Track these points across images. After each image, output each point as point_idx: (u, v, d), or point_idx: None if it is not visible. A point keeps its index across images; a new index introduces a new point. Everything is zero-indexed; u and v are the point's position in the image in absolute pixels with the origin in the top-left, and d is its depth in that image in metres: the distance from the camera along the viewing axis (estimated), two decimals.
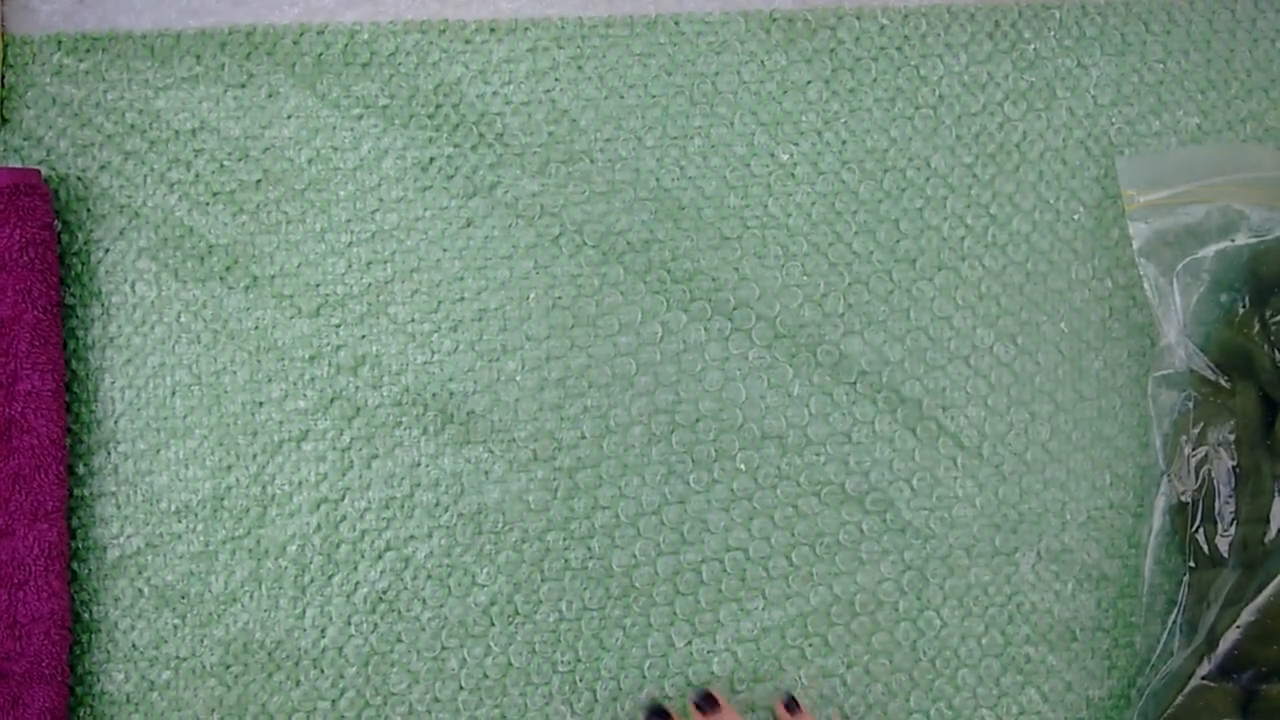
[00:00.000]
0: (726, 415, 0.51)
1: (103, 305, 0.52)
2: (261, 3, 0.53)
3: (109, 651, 0.52)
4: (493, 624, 0.52)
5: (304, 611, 0.52)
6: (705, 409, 0.51)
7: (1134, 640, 0.52)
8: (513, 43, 0.53)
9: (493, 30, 0.53)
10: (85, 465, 0.52)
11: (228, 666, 0.52)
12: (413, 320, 0.52)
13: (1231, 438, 0.49)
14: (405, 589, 0.52)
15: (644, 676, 0.52)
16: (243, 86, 0.53)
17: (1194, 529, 0.50)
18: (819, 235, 0.52)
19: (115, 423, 0.52)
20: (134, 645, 0.52)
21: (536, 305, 0.52)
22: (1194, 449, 0.50)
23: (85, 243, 0.53)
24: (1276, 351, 0.48)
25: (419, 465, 0.52)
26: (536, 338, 0.52)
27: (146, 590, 0.52)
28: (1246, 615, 0.47)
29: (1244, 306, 0.50)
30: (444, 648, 0.52)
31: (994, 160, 0.53)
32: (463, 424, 0.52)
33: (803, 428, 0.52)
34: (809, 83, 0.53)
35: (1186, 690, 0.48)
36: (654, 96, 0.53)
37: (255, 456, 0.52)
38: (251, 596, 0.52)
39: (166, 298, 0.52)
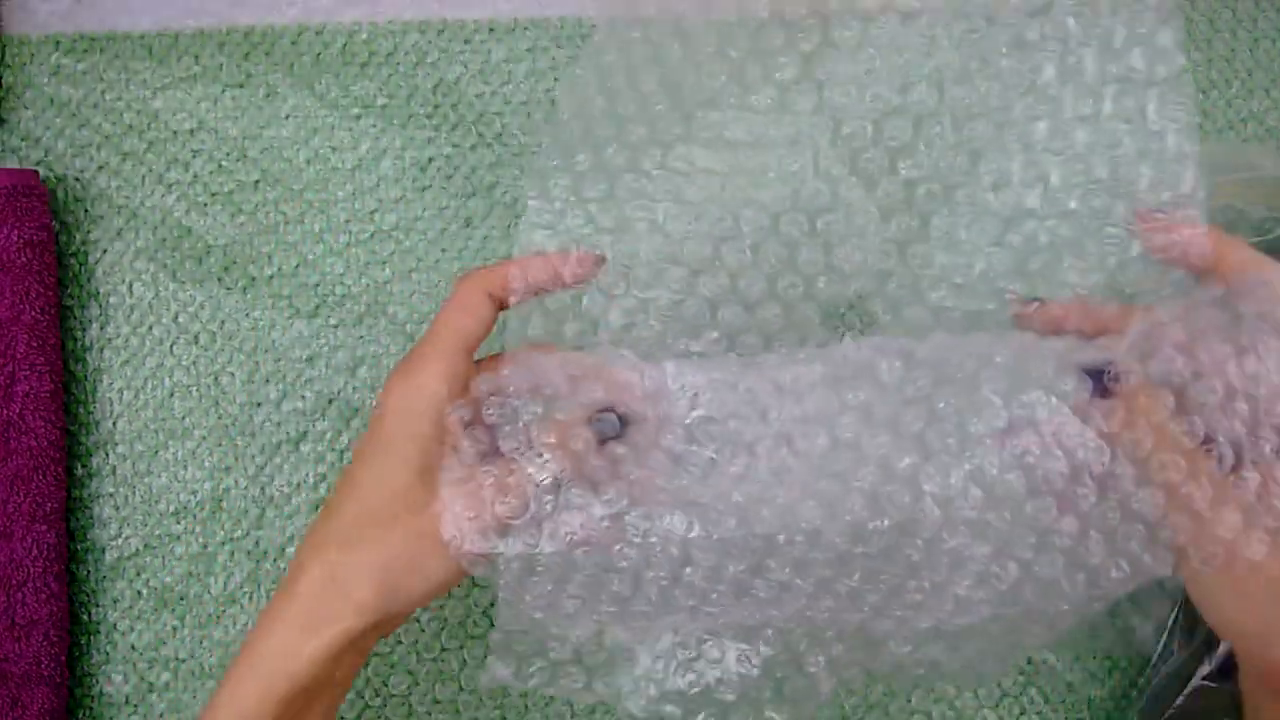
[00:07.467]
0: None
1: (100, 306, 0.52)
2: (260, 3, 0.53)
3: (108, 653, 0.52)
4: (493, 624, 0.52)
5: None
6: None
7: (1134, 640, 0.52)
8: (512, 43, 0.53)
9: (492, 30, 0.53)
10: (83, 467, 0.52)
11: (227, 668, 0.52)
12: (411, 321, 0.52)
13: None
14: None
15: None
16: (241, 87, 0.53)
17: None
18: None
19: (114, 424, 0.52)
20: (133, 647, 0.52)
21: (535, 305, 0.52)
22: None
23: (83, 244, 0.52)
24: None
25: None
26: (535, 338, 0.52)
27: (145, 592, 0.52)
28: None
29: None
30: (444, 648, 0.52)
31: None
32: None
33: None
34: None
35: (1186, 690, 0.48)
36: None
37: (254, 458, 0.52)
38: (250, 598, 0.52)
39: (164, 299, 0.52)
